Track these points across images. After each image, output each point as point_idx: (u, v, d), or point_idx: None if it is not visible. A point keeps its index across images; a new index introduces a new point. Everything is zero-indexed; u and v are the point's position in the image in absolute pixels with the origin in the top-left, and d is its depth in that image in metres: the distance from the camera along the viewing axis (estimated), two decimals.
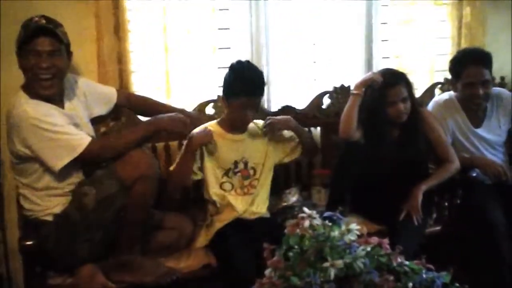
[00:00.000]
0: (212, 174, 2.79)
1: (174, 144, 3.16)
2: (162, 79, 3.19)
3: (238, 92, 2.70)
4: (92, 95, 2.79)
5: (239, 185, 2.82)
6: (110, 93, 2.88)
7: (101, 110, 2.86)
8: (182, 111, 2.88)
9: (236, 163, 2.82)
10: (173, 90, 3.21)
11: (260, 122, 2.89)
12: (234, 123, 2.81)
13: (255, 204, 2.84)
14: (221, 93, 2.85)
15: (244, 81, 2.72)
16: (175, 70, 3.21)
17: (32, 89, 2.50)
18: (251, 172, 2.85)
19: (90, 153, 2.47)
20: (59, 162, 2.45)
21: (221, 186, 2.81)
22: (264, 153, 2.88)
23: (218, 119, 2.90)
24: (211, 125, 2.83)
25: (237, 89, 2.71)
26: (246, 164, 2.83)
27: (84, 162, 2.55)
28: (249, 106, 2.72)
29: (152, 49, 3.17)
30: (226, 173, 2.81)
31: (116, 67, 3.02)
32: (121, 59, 3.02)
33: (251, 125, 2.86)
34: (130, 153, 2.52)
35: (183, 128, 2.69)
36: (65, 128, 2.48)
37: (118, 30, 2.98)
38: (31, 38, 2.45)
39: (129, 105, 2.96)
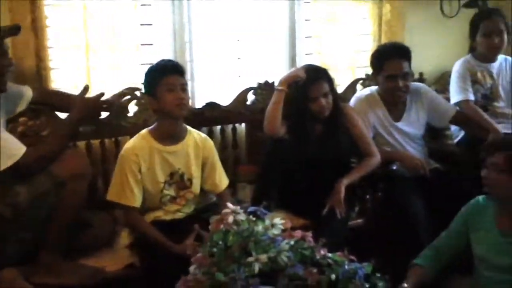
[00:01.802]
0: (150, 194, 2.69)
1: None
2: (83, 76, 3.12)
3: (162, 72, 2.63)
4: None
5: (174, 195, 2.74)
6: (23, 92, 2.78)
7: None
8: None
9: (172, 175, 2.72)
10: (95, 88, 3.11)
11: (199, 133, 2.83)
12: (167, 126, 2.69)
13: (183, 209, 2.79)
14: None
15: (163, 62, 2.70)
16: (96, 67, 3.15)
17: None
18: (188, 183, 2.76)
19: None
20: None
21: (161, 200, 2.71)
22: (199, 166, 2.79)
23: (149, 128, 2.74)
24: (142, 135, 2.70)
25: (159, 70, 2.65)
26: (182, 175, 2.74)
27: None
28: (178, 86, 2.62)
29: (72, 45, 3.09)
30: (164, 187, 2.70)
31: (34, 63, 2.93)
32: (39, 56, 2.93)
33: (187, 134, 2.76)
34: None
35: (95, 107, 2.69)
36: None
37: (36, 25, 2.90)
38: None
39: (45, 102, 2.87)
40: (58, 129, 2.68)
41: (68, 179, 2.44)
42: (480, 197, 2.50)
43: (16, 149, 2.41)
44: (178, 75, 2.65)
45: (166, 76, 2.62)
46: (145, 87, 2.74)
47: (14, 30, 2.54)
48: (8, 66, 2.48)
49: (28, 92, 2.77)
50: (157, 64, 2.71)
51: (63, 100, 2.88)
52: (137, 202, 2.63)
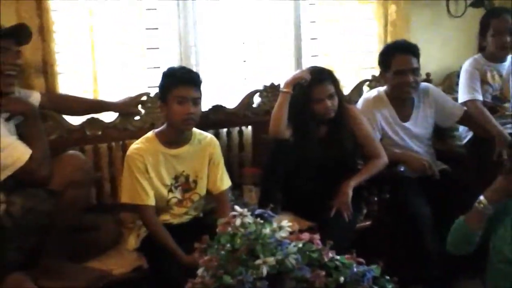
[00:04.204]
0: (157, 197, 2.67)
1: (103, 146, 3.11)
2: (89, 81, 3.13)
3: (175, 81, 2.60)
4: None
5: (180, 198, 2.75)
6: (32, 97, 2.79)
7: None
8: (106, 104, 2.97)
9: (176, 178, 2.73)
10: (101, 92, 3.15)
11: (203, 133, 2.82)
12: (173, 132, 2.69)
13: (190, 211, 2.79)
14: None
15: (182, 71, 2.68)
16: (103, 72, 3.15)
17: None
18: (193, 185, 2.76)
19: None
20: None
21: (167, 203, 2.72)
22: (205, 166, 2.79)
23: (156, 130, 2.75)
24: (148, 138, 2.71)
25: (174, 79, 2.62)
26: (187, 177, 2.75)
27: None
28: (189, 100, 2.60)
29: (79, 50, 3.10)
30: (170, 189, 2.71)
31: (41, 68, 2.93)
32: (46, 61, 2.94)
33: (192, 136, 2.75)
34: (59, 157, 2.47)
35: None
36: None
37: (43, 31, 2.90)
38: None
39: (52, 106, 2.89)
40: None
41: (64, 189, 2.42)
42: None
43: (23, 153, 2.39)
44: (192, 87, 2.62)
45: (179, 86, 2.60)
46: (159, 89, 2.72)
47: (20, 32, 2.54)
48: (15, 65, 2.48)
49: (36, 97, 2.79)
50: (174, 71, 2.68)
51: (70, 103, 2.93)
52: (151, 200, 2.62)
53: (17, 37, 2.51)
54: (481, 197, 2.31)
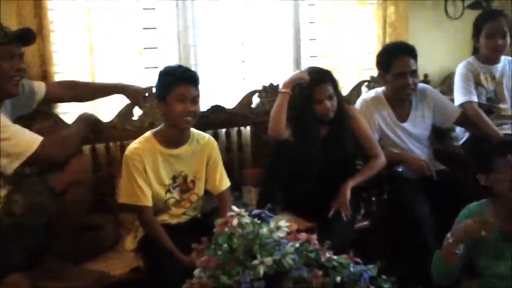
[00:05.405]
0: (156, 197, 2.66)
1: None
2: (87, 80, 3.11)
3: (176, 80, 2.59)
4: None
5: (178, 198, 2.74)
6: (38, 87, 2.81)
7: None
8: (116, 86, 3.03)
9: (175, 178, 2.72)
10: None
11: (201, 134, 2.81)
12: (171, 132, 2.68)
13: (188, 211, 2.79)
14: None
15: (181, 70, 2.67)
16: (100, 71, 3.15)
17: None
18: (191, 185, 2.76)
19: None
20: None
21: (165, 203, 2.71)
22: (204, 166, 2.78)
23: (154, 130, 2.73)
24: (146, 137, 2.69)
25: (174, 78, 2.60)
26: (185, 178, 2.74)
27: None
28: (189, 98, 2.59)
29: (77, 50, 3.10)
30: (168, 190, 2.70)
31: (39, 68, 2.93)
32: (44, 60, 2.94)
33: (190, 136, 2.74)
34: None
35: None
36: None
37: (41, 30, 2.90)
38: None
39: (61, 94, 2.92)
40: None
41: (66, 188, 2.44)
42: (471, 205, 2.47)
43: (32, 140, 2.44)
44: (192, 86, 2.62)
45: (179, 85, 2.59)
46: (156, 89, 2.72)
47: (26, 36, 2.55)
48: (19, 70, 2.50)
49: (41, 87, 2.81)
50: (174, 70, 2.67)
51: (80, 89, 2.96)
52: (149, 201, 2.62)
53: (23, 41, 2.52)
54: (449, 235, 2.33)
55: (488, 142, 3.04)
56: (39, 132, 2.72)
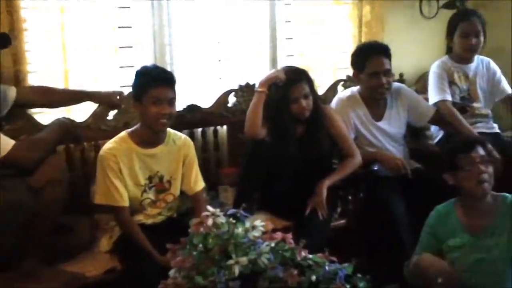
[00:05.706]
0: (131, 197, 2.64)
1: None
2: (60, 80, 3.08)
3: (151, 82, 2.56)
4: None
5: (154, 199, 2.72)
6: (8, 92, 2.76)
7: None
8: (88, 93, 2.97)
9: (150, 178, 2.69)
10: None
11: (177, 134, 2.79)
12: (147, 132, 2.65)
13: (163, 211, 2.77)
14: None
15: (157, 71, 2.64)
16: (74, 70, 3.12)
17: None
18: (167, 185, 2.74)
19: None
20: None
21: (141, 203, 2.68)
22: (180, 167, 2.76)
23: (129, 130, 2.70)
24: (121, 137, 2.66)
25: (150, 79, 2.57)
26: (161, 178, 2.71)
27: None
28: (165, 100, 2.57)
29: (51, 48, 3.06)
30: (144, 190, 2.68)
31: (12, 67, 2.88)
32: (17, 59, 2.89)
33: (166, 136, 2.72)
34: None
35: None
36: None
37: (13, 29, 2.85)
38: None
39: (31, 99, 2.86)
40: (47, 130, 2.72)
41: (43, 186, 2.42)
42: (439, 207, 2.52)
43: (3, 144, 2.40)
44: (168, 88, 2.60)
45: (155, 87, 2.56)
46: (133, 89, 2.69)
47: (4, 42, 2.52)
48: None
49: (12, 92, 2.75)
50: (150, 70, 2.64)
51: (51, 95, 2.89)
52: (125, 201, 2.60)
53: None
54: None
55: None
56: (12, 132, 2.70)
